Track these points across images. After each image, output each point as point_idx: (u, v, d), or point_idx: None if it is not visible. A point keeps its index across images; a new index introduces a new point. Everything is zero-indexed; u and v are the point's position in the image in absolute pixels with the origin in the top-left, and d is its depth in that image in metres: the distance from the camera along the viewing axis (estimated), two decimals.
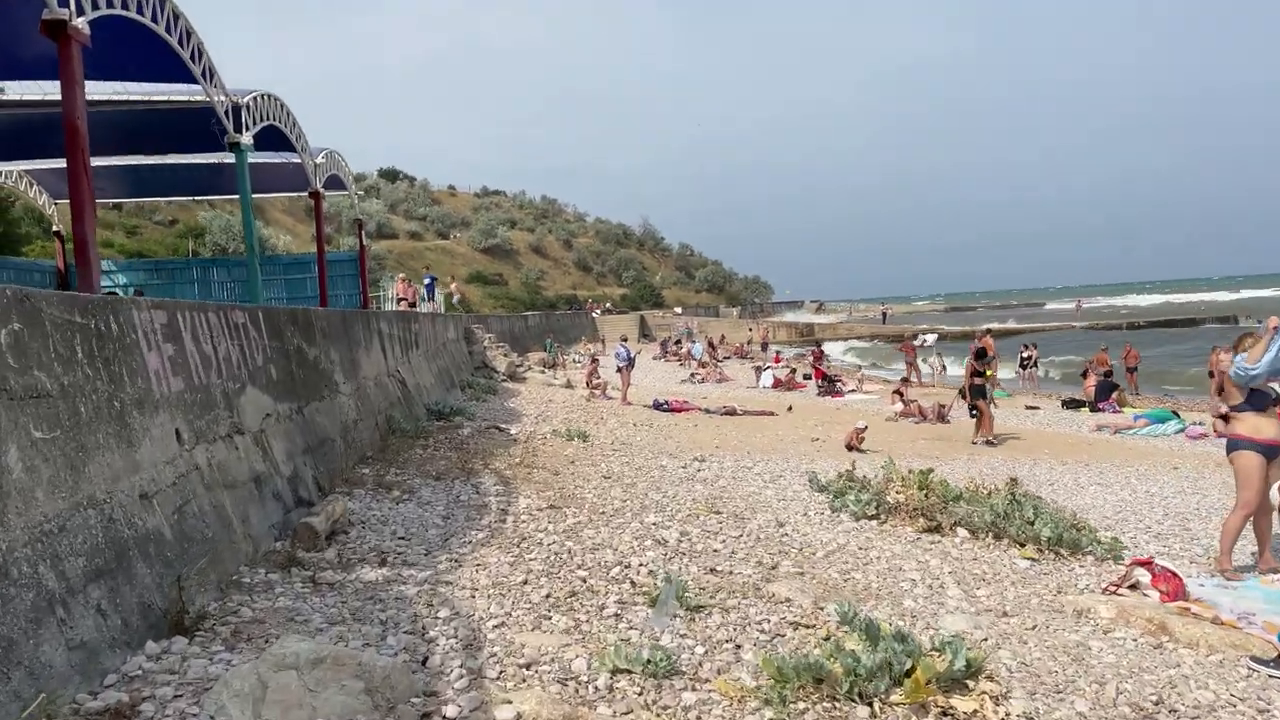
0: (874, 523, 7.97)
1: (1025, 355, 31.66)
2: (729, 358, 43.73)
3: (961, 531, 7.51)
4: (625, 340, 25.12)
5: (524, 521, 7.39)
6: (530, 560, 6.20)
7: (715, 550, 6.80)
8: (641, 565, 6.18)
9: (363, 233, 21.55)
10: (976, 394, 16.19)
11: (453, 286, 26.98)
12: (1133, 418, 18.26)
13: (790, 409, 20.74)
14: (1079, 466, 13.86)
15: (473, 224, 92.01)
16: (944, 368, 31.05)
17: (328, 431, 8.68)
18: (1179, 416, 18.19)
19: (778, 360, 36.83)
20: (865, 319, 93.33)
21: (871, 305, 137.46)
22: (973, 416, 16.17)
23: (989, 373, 16.29)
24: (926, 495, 8.06)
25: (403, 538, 6.78)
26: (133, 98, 12.24)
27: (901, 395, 21.64)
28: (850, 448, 15.64)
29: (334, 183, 19.48)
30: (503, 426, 14.46)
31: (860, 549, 7.09)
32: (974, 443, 15.85)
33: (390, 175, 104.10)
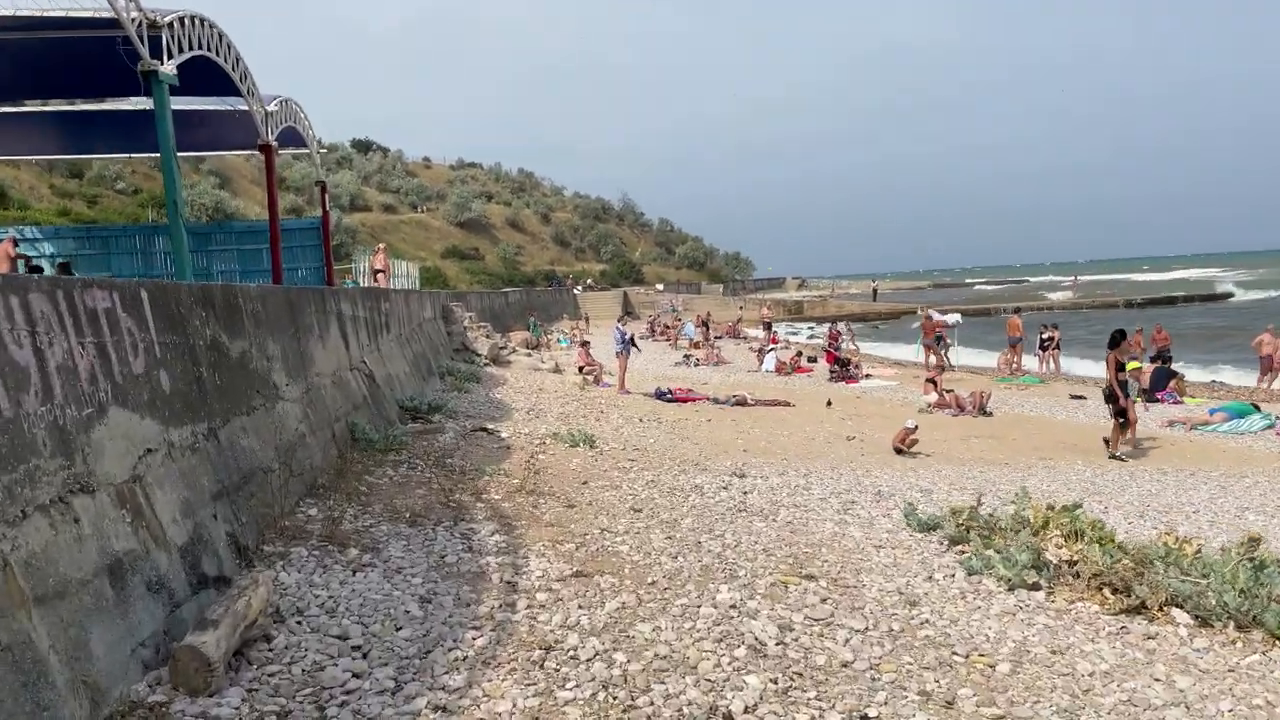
0: (1038, 595, 5.56)
1: (1046, 336, 29.40)
2: (721, 337, 41.34)
3: (1180, 615, 5.13)
4: (623, 321, 22.63)
5: (542, 607, 4.94)
6: (565, 703, 3.77)
7: (846, 665, 4.39)
8: (747, 711, 3.77)
9: (326, 197, 18.88)
10: (1125, 392, 13.36)
11: (379, 258, 24.22)
12: (1208, 411, 16.02)
13: (829, 404, 18.38)
14: (1184, 475, 11.58)
15: (448, 197, 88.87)
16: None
17: (257, 460, 6.17)
18: (1259, 409, 15.98)
19: (775, 341, 34.43)
20: (849, 295, 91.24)
21: (856, 281, 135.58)
22: (1120, 422, 13.32)
23: (1132, 366, 13.56)
24: (1108, 554, 5.67)
25: (358, 647, 4.32)
26: (21, 12, 9.55)
27: (936, 384, 19.31)
28: (900, 451, 13.31)
29: (291, 138, 16.79)
30: (491, 428, 11.96)
31: (1053, 653, 4.70)
32: (1115, 455, 13.10)
33: (363, 146, 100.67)
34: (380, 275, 24.67)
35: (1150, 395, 19.00)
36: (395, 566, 5.45)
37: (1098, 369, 30.88)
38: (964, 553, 6.61)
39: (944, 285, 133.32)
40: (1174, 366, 20.60)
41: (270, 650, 4.21)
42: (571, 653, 4.32)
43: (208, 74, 12.24)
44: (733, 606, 5.10)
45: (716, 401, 19.46)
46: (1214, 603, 4.99)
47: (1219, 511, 8.85)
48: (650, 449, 12.05)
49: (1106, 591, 5.51)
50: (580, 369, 22.25)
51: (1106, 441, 13.44)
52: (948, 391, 19.03)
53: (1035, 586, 5.68)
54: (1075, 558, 5.88)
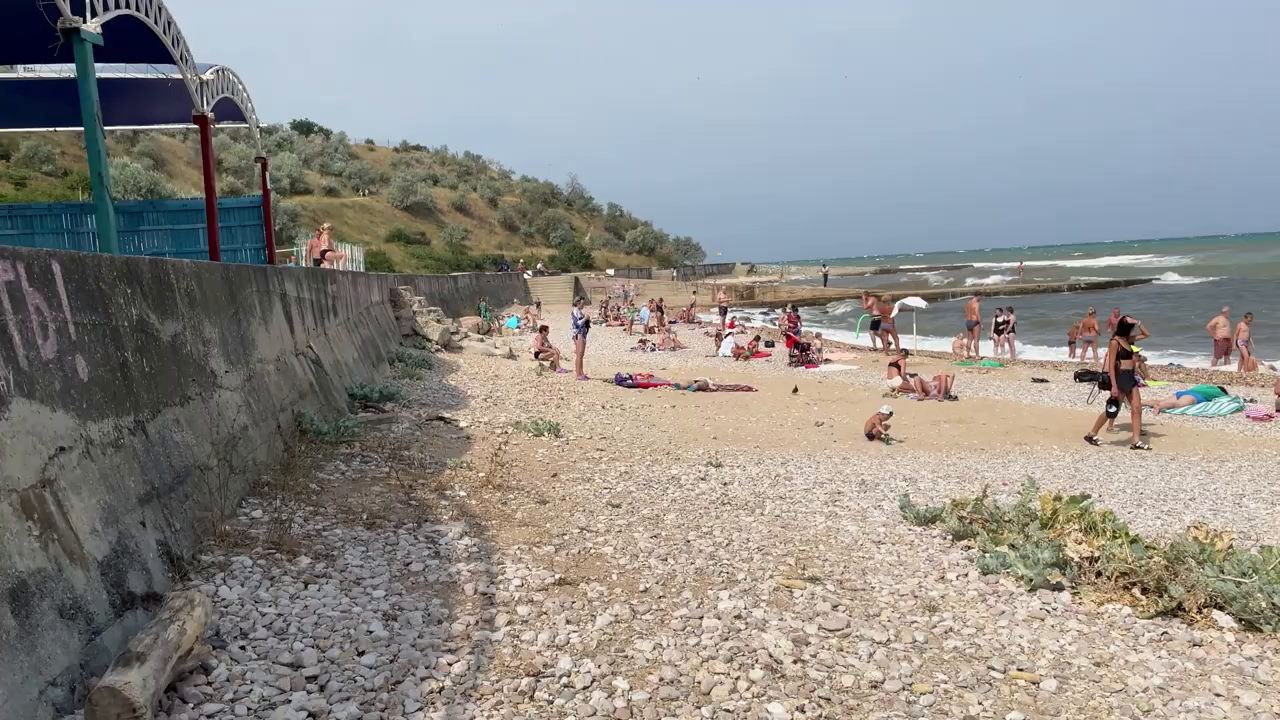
0: (1063, 597, 5.10)
1: (1001, 320, 29.40)
2: (675, 322, 40.89)
3: (1223, 619, 4.70)
4: (579, 304, 21.97)
5: (525, 623, 4.34)
6: None
7: (876, 687, 3.86)
8: None
9: (267, 174, 17.88)
10: (1126, 382, 12.74)
11: (323, 238, 23.28)
12: (1175, 395, 15.88)
13: (796, 390, 17.90)
14: (1165, 460, 11.32)
15: (392, 180, 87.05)
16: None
17: (193, 456, 5.46)
18: (1226, 392, 15.89)
19: (732, 325, 34.00)
20: (798, 281, 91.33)
21: (804, 267, 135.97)
22: (1110, 414, 12.81)
23: (1135, 350, 13.00)
24: (1137, 551, 5.22)
25: (314, 677, 3.68)
26: None
27: (900, 368, 18.99)
28: (872, 437, 12.90)
29: (228, 111, 15.79)
30: (449, 417, 11.28)
31: (1096, 665, 4.22)
32: (1090, 438, 12.73)
33: (304, 128, 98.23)
34: (327, 256, 23.64)
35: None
36: (353, 577, 4.80)
37: (1054, 353, 31.09)
38: (970, 548, 6.15)
39: (888, 271, 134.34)
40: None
41: (209, 684, 3.56)
42: (565, 679, 3.73)
43: (136, 37, 11.29)
44: (737, 617, 4.55)
45: (679, 387, 18.96)
46: (1264, 605, 4.56)
47: (1217, 499, 8.53)
48: (617, 437, 11.47)
49: (1136, 591, 5.07)
50: (536, 354, 21.56)
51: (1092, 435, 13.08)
52: (911, 375, 18.72)
53: (1058, 587, 5.22)
54: (1097, 554, 5.43)
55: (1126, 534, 5.85)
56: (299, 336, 9.80)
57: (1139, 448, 12.26)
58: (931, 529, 6.68)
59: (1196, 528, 5.38)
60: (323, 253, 23.86)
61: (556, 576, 4.97)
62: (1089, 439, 12.66)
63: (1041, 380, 20.06)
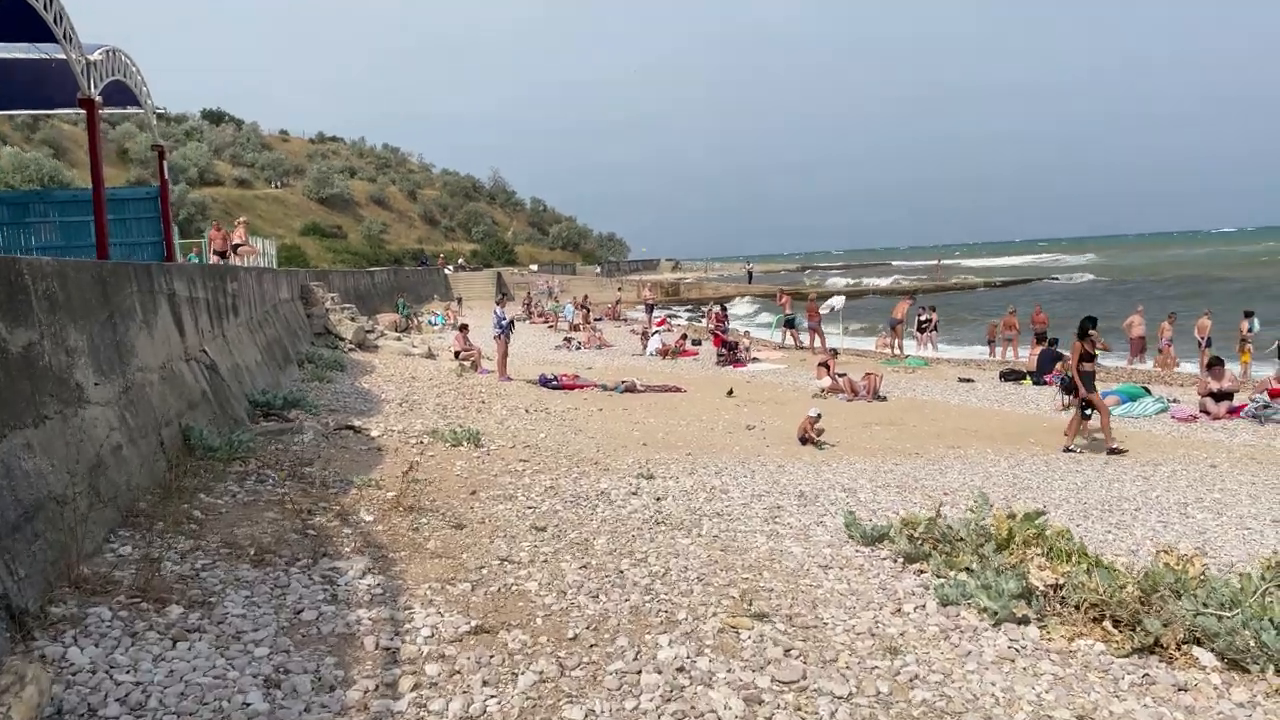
0: (1031, 632, 4.67)
1: (924, 319, 29.58)
2: (601, 319, 40.29)
3: (1204, 656, 4.32)
4: (502, 302, 21.22)
5: (434, 686, 3.71)
6: None
7: None
8: None
9: (165, 163, 16.73)
10: (1088, 384, 12.41)
11: (239, 232, 22.29)
12: (1101, 395, 15.87)
13: (731, 393, 17.43)
14: (1100, 464, 11.17)
15: (307, 172, 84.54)
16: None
17: (48, 486, 4.68)
18: (1149, 391, 15.98)
19: (662, 323, 33.58)
20: (723, 277, 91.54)
21: (726, 264, 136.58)
22: (1085, 417, 12.46)
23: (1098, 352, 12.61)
24: (1106, 577, 4.83)
25: None
26: None
27: (829, 368, 18.72)
28: (805, 441, 12.52)
29: (121, 95, 14.66)
30: (359, 425, 10.51)
31: (1080, 718, 3.78)
32: (1068, 448, 12.26)
33: (214, 117, 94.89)
34: (239, 250, 22.47)
35: (1038, 378, 18.93)
36: (232, 630, 4.10)
37: (973, 351, 31.37)
38: (923, 571, 5.71)
39: (810, 268, 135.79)
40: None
41: None
42: None
43: (14, 13, 10.27)
44: (680, 670, 4.00)
45: (605, 388, 18.38)
46: (1250, 642, 4.19)
47: (1163, 509, 8.31)
48: (542, 445, 10.84)
49: (1108, 625, 4.67)
50: (457, 354, 20.75)
51: (1059, 433, 12.72)
52: (840, 375, 18.47)
53: (1024, 620, 4.79)
54: (1061, 581, 5.03)
55: (1086, 555, 5.48)
56: (190, 340, 8.94)
57: (1116, 450, 11.94)
58: (879, 549, 6.24)
59: (1166, 552, 5.01)
60: (234, 245, 22.68)
61: (473, 623, 4.35)
62: (1067, 449, 12.19)
63: (968, 380, 20.03)
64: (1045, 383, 18.66)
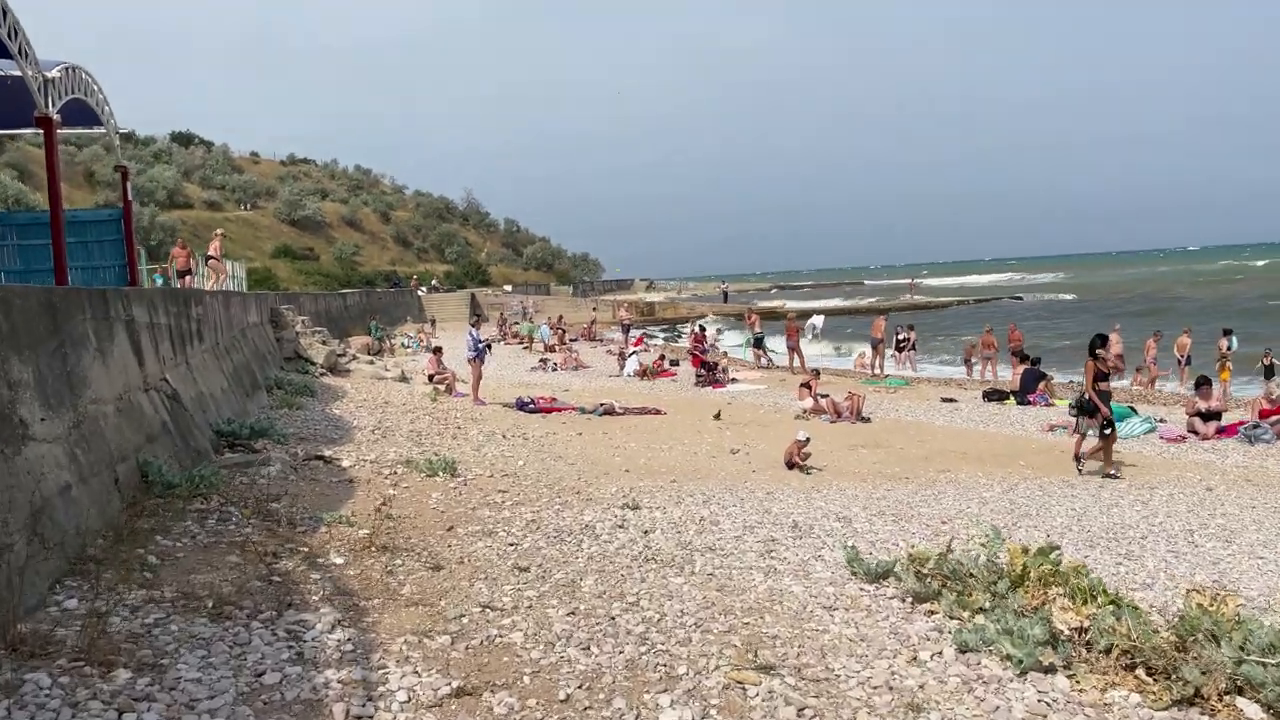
0: (1060, 682, 4.33)
1: (902, 338, 29.41)
2: (576, 340, 39.88)
3: (1250, 709, 3.99)
4: (476, 325, 20.77)
5: None
6: None
7: None
8: None
9: (129, 184, 16.23)
10: (1106, 404, 11.95)
11: (215, 245, 21.92)
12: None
13: (718, 415, 17.02)
14: (1095, 488, 10.91)
15: (278, 194, 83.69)
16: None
17: None
18: (1136, 411, 15.80)
19: (639, 343, 33.22)
20: (696, 297, 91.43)
21: (701, 284, 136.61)
22: (1105, 436, 11.88)
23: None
24: (1136, 620, 4.51)
25: None
26: None
27: (811, 389, 18.43)
28: (792, 466, 12.18)
29: (80, 115, 14.20)
30: (330, 456, 10.06)
31: None
32: (1083, 471, 11.84)
33: (184, 140, 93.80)
34: (210, 264, 21.93)
35: (1022, 398, 18.74)
36: (186, 698, 3.67)
37: (948, 370, 31.26)
38: (934, 612, 5.37)
39: (784, 287, 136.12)
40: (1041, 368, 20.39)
41: None
42: None
43: None
44: None
45: (584, 411, 17.96)
46: None
47: (1169, 537, 8.02)
48: (521, 474, 10.43)
49: (1141, 673, 4.34)
50: (430, 378, 20.27)
51: (1078, 458, 12.13)
52: (823, 396, 18.19)
53: (1050, 669, 4.45)
54: (1086, 624, 4.70)
55: (1105, 593, 5.17)
56: (150, 369, 8.47)
57: (1112, 475, 11.53)
58: (884, 586, 5.89)
59: (1198, 592, 4.70)
60: (208, 257, 22.12)
61: (454, 684, 3.94)
62: (1108, 475, 11.63)
63: (950, 400, 19.80)
64: (1029, 403, 18.47)
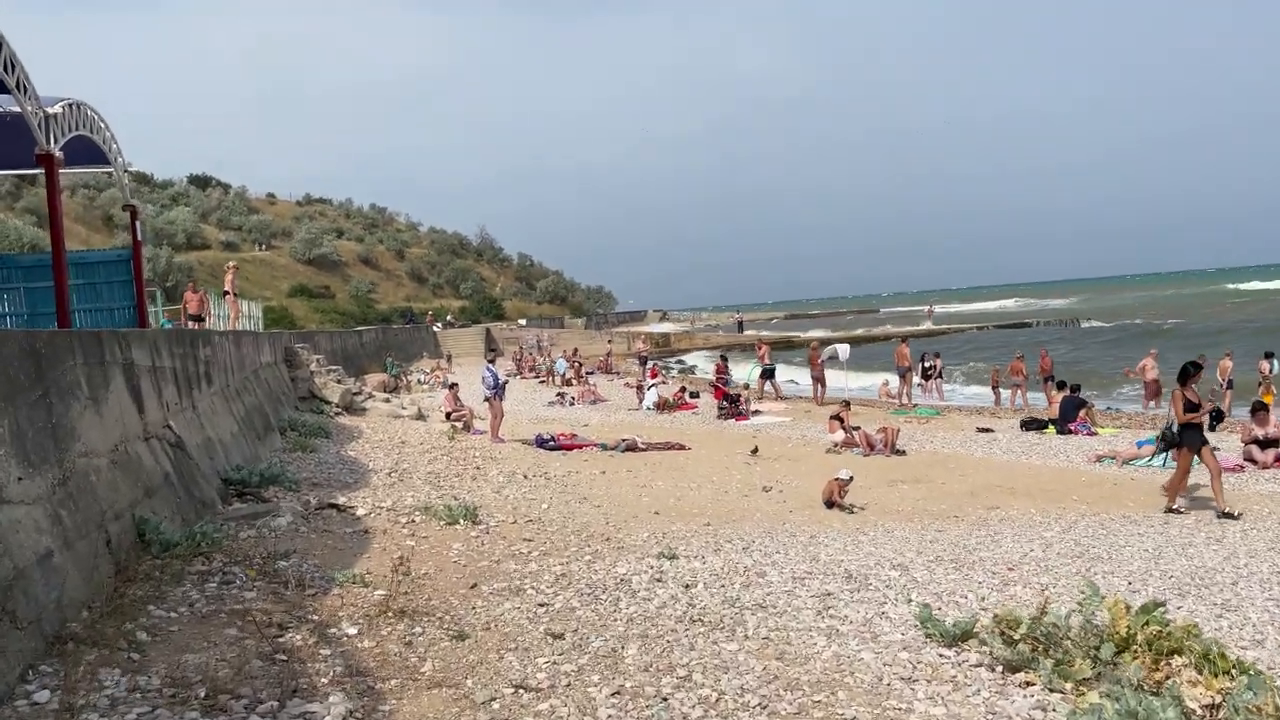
0: None
1: (928, 365, 28.70)
2: (593, 373, 39.32)
3: None
4: (493, 361, 20.25)
5: None
6: None
7: None
8: None
9: (138, 223, 15.81)
10: (1194, 439, 10.87)
11: (229, 278, 21.63)
12: (1135, 444, 14.95)
13: (755, 451, 16.29)
14: (1160, 523, 10.18)
15: (295, 234, 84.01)
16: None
17: None
18: None
19: (654, 374, 32.59)
20: (709, 326, 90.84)
21: (715, 314, 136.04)
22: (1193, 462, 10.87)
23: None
24: (1273, 698, 3.83)
25: None
26: None
27: (843, 421, 17.75)
28: (832, 504, 11.50)
29: (86, 153, 13.77)
30: (344, 503, 9.47)
31: None
32: (1171, 509, 10.77)
33: (201, 182, 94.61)
34: (226, 298, 21.56)
35: (1062, 427, 17.98)
36: None
37: (973, 396, 30.50)
38: (1031, 684, 4.69)
39: (797, 316, 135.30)
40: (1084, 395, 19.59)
41: None
42: None
43: None
44: None
45: (605, 448, 17.33)
46: None
47: (1263, 581, 7.28)
48: (546, 519, 9.80)
49: None
50: (448, 415, 19.72)
51: (1175, 495, 11.07)
52: (855, 429, 17.50)
53: None
54: (1218, 699, 4.03)
55: (1226, 658, 4.50)
56: (152, 416, 7.92)
57: (1228, 515, 10.34)
58: (965, 650, 5.22)
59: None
60: (225, 292, 21.74)
61: None
62: (1170, 510, 10.75)
63: (987, 430, 19.06)
64: (1070, 431, 17.70)
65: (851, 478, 11.76)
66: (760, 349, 31.31)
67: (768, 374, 28.43)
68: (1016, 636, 4.93)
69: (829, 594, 6.62)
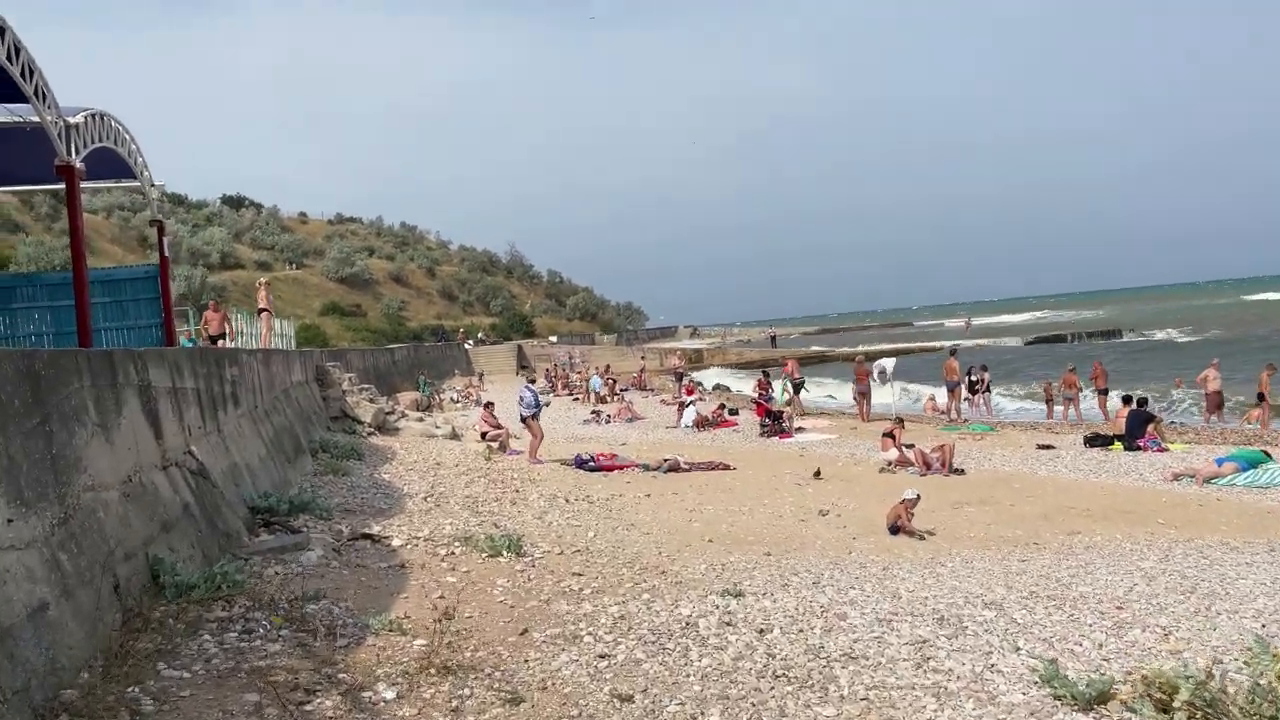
0: None
1: (975, 379, 27.70)
2: (627, 389, 38.64)
3: None
4: (533, 381, 19.62)
5: None
6: None
7: None
8: None
9: (165, 240, 15.38)
10: None
11: (262, 295, 21.21)
12: (1215, 462, 13.98)
13: (819, 474, 15.42)
14: (1264, 549, 9.29)
15: (327, 252, 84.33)
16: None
17: None
18: (1270, 456, 14.05)
19: (690, 391, 31.84)
20: (740, 342, 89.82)
21: (746, 329, 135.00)
22: None
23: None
24: None
25: None
26: None
27: (895, 438, 16.90)
28: (898, 530, 10.71)
29: (110, 165, 13.34)
30: (378, 533, 8.82)
31: None
32: None
33: (235, 202, 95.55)
34: (261, 316, 21.14)
35: (1130, 443, 17.00)
36: None
37: (1026, 408, 29.46)
38: None
39: (832, 330, 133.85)
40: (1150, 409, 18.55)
41: None
42: None
43: None
44: None
45: (647, 468, 16.62)
46: None
47: None
48: (594, 549, 9.10)
49: None
50: (483, 435, 19.09)
51: None
52: (909, 447, 16.64)
53: None
54: None
55: None
56: (171, 441, 7.30)
57: None
58: (1104, 715, 4.44)
59: None
60: (260, 310, 21.34)
61: None
62: None
63: (1047, 446, 18.10)
64: (1138, 448, 16.73)
65: (919, 497, 10.97)
66: (787, 365, 30.46)
67: (796, 389, 27.74)
68: (1176, 704, 4.14)
69: (924, 641, 5.84)
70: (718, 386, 41.83)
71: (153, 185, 14.81)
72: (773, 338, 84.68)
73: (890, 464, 16.43)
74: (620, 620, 6.22)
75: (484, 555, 8.12)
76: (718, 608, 6.66)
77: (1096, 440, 17.70)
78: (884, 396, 25.97)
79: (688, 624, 6.17)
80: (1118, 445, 17.14)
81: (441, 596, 6.49)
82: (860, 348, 50.74)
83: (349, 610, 5.90)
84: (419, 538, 8.80)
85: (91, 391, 5.66)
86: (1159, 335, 65.91)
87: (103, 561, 5.16)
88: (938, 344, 62.21)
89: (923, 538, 10.42)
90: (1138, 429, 17.04)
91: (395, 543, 8.48)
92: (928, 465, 15.86)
